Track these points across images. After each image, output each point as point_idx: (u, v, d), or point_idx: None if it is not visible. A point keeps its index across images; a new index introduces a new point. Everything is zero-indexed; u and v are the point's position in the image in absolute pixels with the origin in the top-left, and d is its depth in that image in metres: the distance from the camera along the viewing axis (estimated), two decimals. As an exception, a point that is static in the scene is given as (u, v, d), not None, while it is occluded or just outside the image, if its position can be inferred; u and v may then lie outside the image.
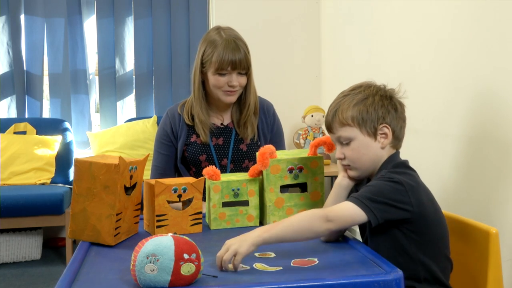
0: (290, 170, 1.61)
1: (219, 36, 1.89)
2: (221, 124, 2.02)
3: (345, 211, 1.31)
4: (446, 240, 1.43)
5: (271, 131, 2.06)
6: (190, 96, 2.03)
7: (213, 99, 1.98)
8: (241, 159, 1.99)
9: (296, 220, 1.31)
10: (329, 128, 1.48)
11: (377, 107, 1.41)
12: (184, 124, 1.99)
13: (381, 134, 1.42)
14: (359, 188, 1.50)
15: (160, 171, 2.00)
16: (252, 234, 1.26)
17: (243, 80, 1.92)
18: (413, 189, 1.35)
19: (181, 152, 1.99)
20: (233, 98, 1.94)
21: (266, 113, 2.05)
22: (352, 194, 1.36)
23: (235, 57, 1.86)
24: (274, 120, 2.08)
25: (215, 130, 2.00)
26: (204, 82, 1.97)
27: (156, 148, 2.03)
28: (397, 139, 1.44)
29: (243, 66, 1.88)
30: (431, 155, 2.38)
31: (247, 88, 1.96)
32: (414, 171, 1.44)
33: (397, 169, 1.40)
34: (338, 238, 1.46)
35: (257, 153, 1.63)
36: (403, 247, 1.37)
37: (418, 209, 1.34)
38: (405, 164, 1.44)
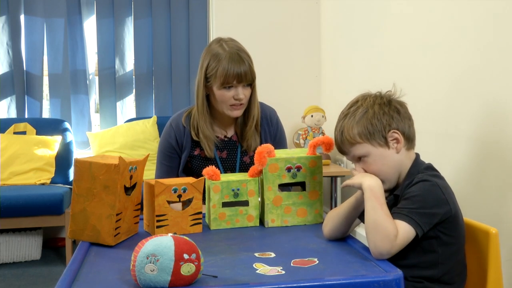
0: (289, 169, 1.61)
1: (222, 49, 1.86)
2: (225, 137, 2.00)
3: (404, 237, 1.30)
4: (464, 243, 1.44)
5: (273, 140, 2.04)
6: (193, 107, 1.99)
7: (218, 112, 1.95)
8: (245, 171, 1.98)
9: (378, 220, 1.31)
10: (341, 151, 1.47)
11: (379, 116, 1.41)
12: (189, 136, 1.97)
13: (392, 140, 1.41)
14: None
15: None
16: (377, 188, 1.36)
17: (248, 92, 1.90)
18: (448, 191, 1.37)
19: (184, 163, 1.98)
20: (239, 113, 1.91)
21: (270, 122, 2.03)
22: (397, 209, 1.35)
23: (240, 69, 1.83)
24: (277, 128, 2.05)
25: (218, 144, 1.98)
26: (208, 96, 1.94)
27: (160, 160, 2.01)
28: (408, 139, 1.44)
29: (248, 78, 1.86)
30: (431, 155, 2.37)
31: (251, 100, 1.94)
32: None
33: (430, 171, 1.41)
34: (342, 236, 1.47)
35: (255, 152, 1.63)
36: (432, 247, 1.36)
37: (454, 211, 1.36)
38: (433, 167, 1.44)
